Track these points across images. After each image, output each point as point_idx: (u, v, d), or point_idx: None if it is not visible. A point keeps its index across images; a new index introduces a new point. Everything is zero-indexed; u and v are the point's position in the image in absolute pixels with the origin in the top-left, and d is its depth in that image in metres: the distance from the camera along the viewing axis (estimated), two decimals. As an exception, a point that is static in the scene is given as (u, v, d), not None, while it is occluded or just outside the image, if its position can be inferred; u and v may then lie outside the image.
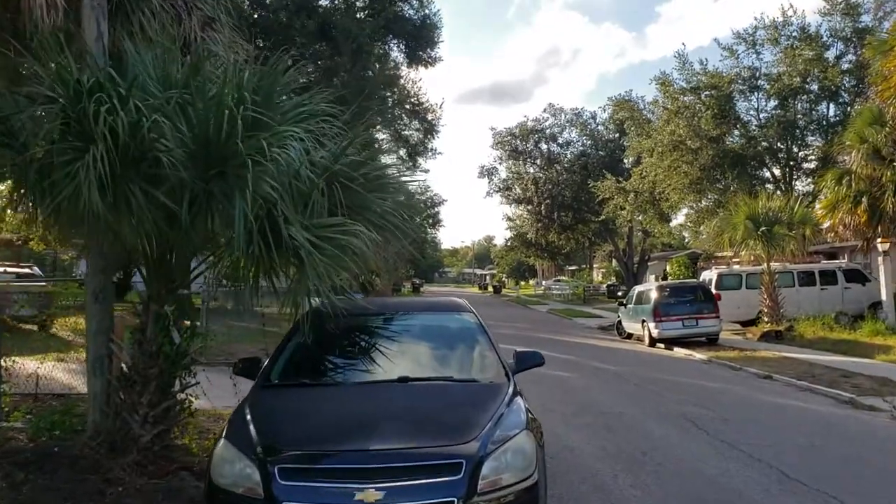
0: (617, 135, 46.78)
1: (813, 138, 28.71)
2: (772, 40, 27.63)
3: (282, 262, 5.17)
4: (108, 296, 6.37)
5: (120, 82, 5.15)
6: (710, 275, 22.99)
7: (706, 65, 28.99)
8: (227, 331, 12.40)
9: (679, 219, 42.13)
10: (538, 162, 53.52)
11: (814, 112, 28.19)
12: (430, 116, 33.39)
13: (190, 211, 5.06)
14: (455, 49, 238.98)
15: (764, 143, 28.96)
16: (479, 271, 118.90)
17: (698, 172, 28.36)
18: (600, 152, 49.25)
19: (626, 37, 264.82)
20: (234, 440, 4.02)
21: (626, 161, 43.60)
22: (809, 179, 28.40)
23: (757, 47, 28.24)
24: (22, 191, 5.43)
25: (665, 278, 35.20)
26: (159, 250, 5.69)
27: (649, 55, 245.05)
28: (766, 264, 20.09)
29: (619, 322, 22.79)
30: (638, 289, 22.35)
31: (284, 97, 5.86)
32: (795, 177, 29.41)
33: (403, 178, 7.46)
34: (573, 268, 71.88)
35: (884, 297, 19.55)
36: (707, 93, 28.24)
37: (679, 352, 17.88)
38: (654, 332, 18.99)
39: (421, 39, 27.46)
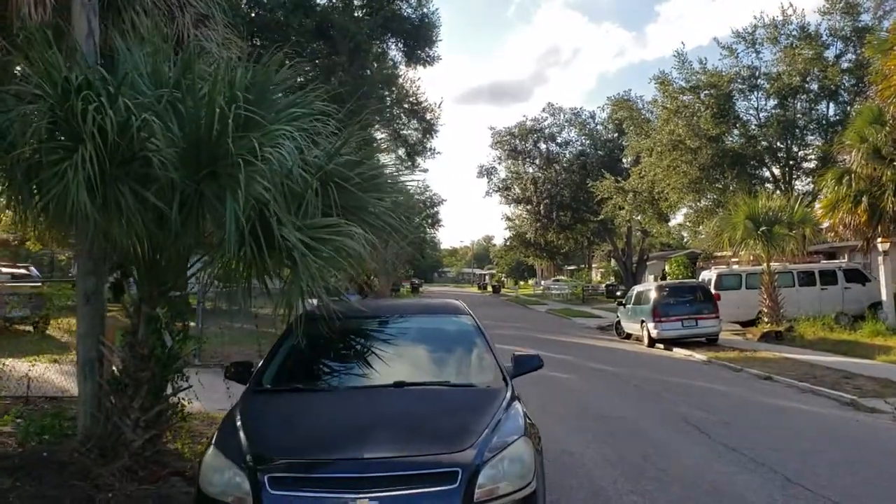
0: (616, 134, 46.73)
1: (813, 138, 28.66)
2: (771, 39, 27.58)
3: (274, 263, 5.07)
4: (100, 297, 6.25)
5: (110, 80, 5.05)
6: (709, 275, 22.89)
7: (705, 64, 29.02)
8: (222, 332, 12.28)
9: (678, 218, 42.19)
10: (537, 162, 53.50)
11: (813, 111, 28.14)
12: (428, 116, 33.39)
13: (181, 212, 4.96)
14: (454, 48, 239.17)
15: (763, 143, 28.91)
16: (478, 271, 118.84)
17: (697, 172, 28.30)
18: (599, 152, 49.20)
19: (626, 36, 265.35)
20: (223, 448, 3.91)
21: (624, 161, 43.58)
22: (809, 179, 28.36)
23: (756, 46, 28.22)
24: (10, 191, 5.32)
25: (664, 278, 35.11)
26: (150, 252, 5.58)
27: (649, 55, 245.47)
28: (765, 264, 20.01)
29: (618, 322, 22.70)
30: (637, 289, 22.25)
31: (280, 94, 5.76)
32: (795, 176, 29.38)
33: (402, 178, 7.37)
34: (572, 267, 71.85)
35: (884, 298, 19.47)
36: (706, 92, 28.18)
37: (678, 352, 17.78)
38: (654, 333, 18.90)
39: (419, 38, 27.39)
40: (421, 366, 5.18)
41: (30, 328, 13.96)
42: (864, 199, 17.88)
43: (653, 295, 19.44)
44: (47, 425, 6.35)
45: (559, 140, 52.78)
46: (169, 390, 5.98)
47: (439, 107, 34.72)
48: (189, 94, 5.08)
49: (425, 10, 27.67)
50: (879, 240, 18.62)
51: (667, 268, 37.58)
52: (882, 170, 17.62)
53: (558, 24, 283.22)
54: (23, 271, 20.10)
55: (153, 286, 5.88)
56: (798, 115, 28.03)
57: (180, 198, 4.94)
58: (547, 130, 52.60)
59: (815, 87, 27.22)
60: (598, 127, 50.36)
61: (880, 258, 19.46)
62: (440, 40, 28.66)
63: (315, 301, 5.34)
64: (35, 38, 5.03)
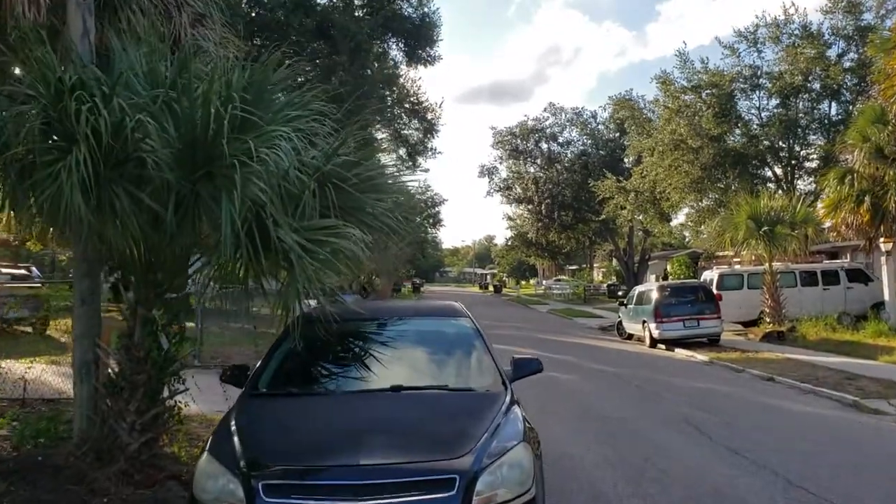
0: (617, 134, 46.70)
1: (815, 137, 28.62)
2: (773, 38, 27.51)
3: (271, 265, 5.01)
4: (96, 299, 6.20)
5: (104, 80, 4.99)
6: (711, 275, 22.82)
7: (707, 63, 28.95)
8: (221, 332, 12.23)
9: (680, 218, 42.09)
10: (538, 161, 53.49)
11: (816, 111, 28.07)
12: (429, 115, 33.33)
13: (177, 213, 4.91)
14: (455, 48, 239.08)
15: (765, 142, 28.85)
16: (479, 271, 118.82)
17: (699, 172, 28.23)
18: (601, 151, 49.17)
19: (627, 35, 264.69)
20: (217, 454, 3.85)
21: (626, 160, 43.52)
22: (811, 179, 28.30)
23: (758, 45, 28.16)
24: (3, 191, 5.26)
25: (666, 278, 35.04)
26: (146, 254, 5.53)
27: (650, 54, 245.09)
28: (767, 264, 19.94)
29: (620, 322, 22.63)
30: (638, 289, 22.19)
31: (278, 94, 5.70)
32: (797, 176, 29.29)
33: (403, 178, 7.31)
34: (573, 267, 71.80)
35: (887, 298, 19.41)
36: (708, 91, 28.12)
37: (680, 353, 17.71)
38: (655, 333, 18.83)
39: (420, 38, 27.32)
40: (419, 369, 5.11)
41: (29, 329, 13.90)
42: (867, 198, 17.80)
43: (654, 295, 19.37)
44: (43, 429, 6.30)
45: (560, 140, 52.88)
46: (165, 393, 5.92)
47: (440, 106, 34.77)
48: (185, 94, 5.02)
49: (426, 9, 27.64)
50: (882, 240, 18.55)
51: (668, 268, 37.49)
52: (885, 169, 17.54)
53: (559, 24, 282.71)
54: (23, 272, 20.04)
55: (149, 288, 5.82)
56: (800, 115, 27.95)
57: (176, 199, 4.88)
58: (548, 130, 52.67)
59: (817, 86, 27.15)
60: (600, 126, 50.42)
61: (883, 258, 19.39)
62: (441, 40, 28.65)
63: (314, 302, 5.29)
64: (29, 37, 4.97)
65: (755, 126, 28.96)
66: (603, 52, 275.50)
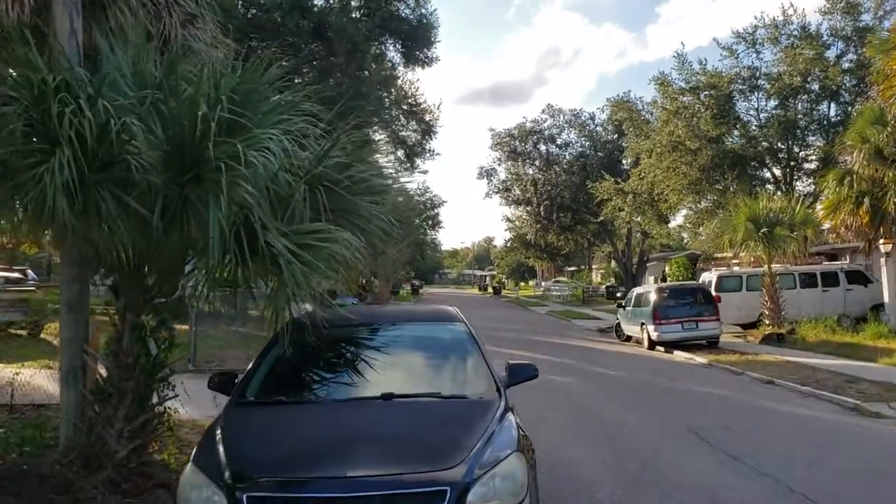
0: (616, 136, 46.65)
1: (814, 138, 28.52)
2: (772, 39, 27.44)
3: (259, 269, 4.90)
4: (83, 304, 6.09)
5: (90, 82, 4.89)
6: (709, 276, 22.71)
7: (705, 64, 28.88)
8: (217, 335, 12.11)
9: (678, 220, 42.04)
10: (537, 163, 53.48)
11: (814, 112, 28.00)
12: (427, 117, 33.26)
13: (164, 217, 4.80)
14: (454, 49, 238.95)
15: (764, 144, 28.77)
16: (478, 272, 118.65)
17: (697, 173, 28.16)
18: (599, 153, 49.15)
19: (626, 37, 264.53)
20: (201, 464, 3.75)
21: (624, 162, 43.47)
22: (810, 180, 28.20)
23: (757, 47, 28.07)
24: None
25: (664, 279, 34.96)
26: (134, 258, 5.41)
27: (649, 55, 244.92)
28: (766, 266, 19.85)
29: (618, 324, 22.52)
30: (637, 290, 22.07)
31: (269, 96, 5.59)
32: (796, 177, 29.20)
33: (400, 179, 7.20)
34: (572, 269, 71.70)
35: (886, 300, 19.32)
36: (706, 93, 28.04)
37: (679, 355, 17.60)
38: (654, 335, 18.72)
39: (417, 39, 27.18)
40: (411, 376, 5.00)
41: (22, 332, 13.78)
42: (866, 200, 17.71)
43: (653, 297, 19.26)
44: (28, 436, 6.19)
45: (559, 141, 52.91)
46: (154, 399, 5.83)
47: (438, 108, 34.72)
48: (172, 96, 4.92)
49: (423, 10, 27.48)
50: (881, 241, 18.46)
51: (667, 269, 37.43)
52: (884, 171, 17.45)
53: (558, 26, 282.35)
54: (18, 275, 19.89)
55: (138, 293, 5.73)
56: (799, 116, 27.88)
57: (164, 202, 4.79)
58: (547, 132, 52.69)
59: (815, 87, 27.07)
60: (598, 128, 50.45)
61: (882, 259, 19.31)
62: (439, 41, 28.51)
63: (308, 306, 5.18)
64: (12, 37, 4.86)
65: (754, 127, 28.90)
66: (602, 54, 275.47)
